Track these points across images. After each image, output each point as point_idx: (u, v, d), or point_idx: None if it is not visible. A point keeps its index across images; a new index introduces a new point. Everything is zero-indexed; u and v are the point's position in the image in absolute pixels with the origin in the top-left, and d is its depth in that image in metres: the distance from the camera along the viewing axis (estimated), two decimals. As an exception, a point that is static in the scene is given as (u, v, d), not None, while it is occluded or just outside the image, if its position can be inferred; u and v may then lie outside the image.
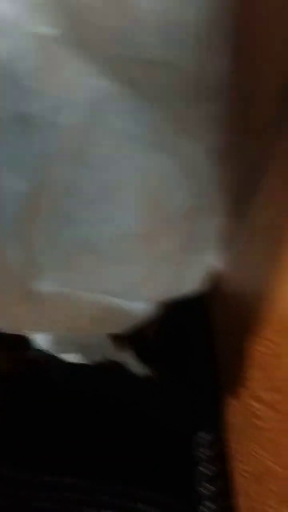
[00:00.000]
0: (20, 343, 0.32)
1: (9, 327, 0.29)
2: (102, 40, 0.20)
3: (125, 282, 0.29)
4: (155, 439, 0.34)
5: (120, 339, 0.34)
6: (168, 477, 0.32)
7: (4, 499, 0.30)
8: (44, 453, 0.32)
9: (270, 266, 0.27)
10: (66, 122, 0.23)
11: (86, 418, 0.34)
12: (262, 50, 0.22)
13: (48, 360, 0.32)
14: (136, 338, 0.34)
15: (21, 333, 0.31)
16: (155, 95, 0.22)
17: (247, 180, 0.28)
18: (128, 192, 0.25)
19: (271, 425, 0.26)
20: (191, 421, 0.34)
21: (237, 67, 0.21)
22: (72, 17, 0.20)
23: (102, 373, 0.33)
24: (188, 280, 0.34)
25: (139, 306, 0.32)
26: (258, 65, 0.22)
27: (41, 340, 0.32)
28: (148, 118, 0.22)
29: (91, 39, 0.20)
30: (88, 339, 0.33)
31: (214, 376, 0.35)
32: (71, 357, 0.33)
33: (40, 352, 0.32)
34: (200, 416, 0.34)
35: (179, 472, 0.33)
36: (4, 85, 0.21)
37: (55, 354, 0.32)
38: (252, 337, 0.28)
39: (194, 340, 0.38)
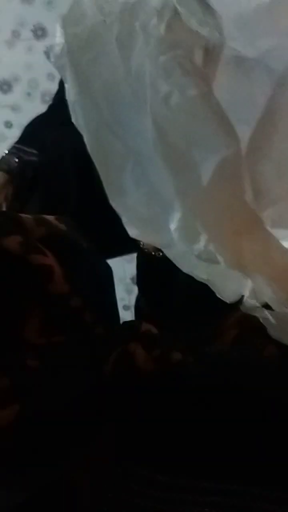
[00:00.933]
0: (162, 341, 0.31)
1: (230, 260, 0.29)
2: None
3: None
4: None
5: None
6: None
7: (161, 504, 0.29)
8: (196, 457, 0.30)
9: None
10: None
11: (235, 423, 0.30)
12: None
13: (190, 362, 0.31)
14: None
15: (239, 269, 0.30)
16: None
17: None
18: None
19: None
20: None
21: None
22: None
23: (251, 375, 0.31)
24: None
25: None
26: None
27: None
28: None
29: None
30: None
31: None
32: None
33: (185, 352, 0.31)
34: None
35: None
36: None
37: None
38: None
39: None
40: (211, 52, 0.31)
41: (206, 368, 0.31)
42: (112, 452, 0.31)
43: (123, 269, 1.38)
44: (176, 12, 0.29)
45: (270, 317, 0.31)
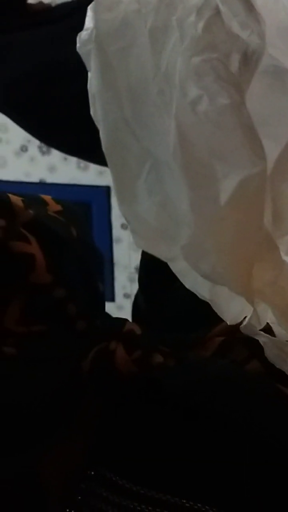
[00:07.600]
0: (145, 342, 0.31)
1: (237, 286, 0.28)
2: None
3: None
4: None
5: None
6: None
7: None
8: (164, 468, 0.29)
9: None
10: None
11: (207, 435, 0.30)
12: None
13: (170, 367, 0.30)
14: None
15: (245, 296, 0.29)
16: None
17: None
18: None
19: None
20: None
21: None
22: None
23: (226, 386, 0.30)
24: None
25: None
26: None
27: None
28: None
29: None
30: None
31: None
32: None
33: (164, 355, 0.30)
34: None
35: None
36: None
37: None
38: None
39: None
40: (249, 59, 0.28)
41: (185, 376, 0.30)
42: (86, 450, 0.30)
43: (129, 257, 1.37)
44: (217, 12, 0.27)
45: (270, 343, 0.30)
